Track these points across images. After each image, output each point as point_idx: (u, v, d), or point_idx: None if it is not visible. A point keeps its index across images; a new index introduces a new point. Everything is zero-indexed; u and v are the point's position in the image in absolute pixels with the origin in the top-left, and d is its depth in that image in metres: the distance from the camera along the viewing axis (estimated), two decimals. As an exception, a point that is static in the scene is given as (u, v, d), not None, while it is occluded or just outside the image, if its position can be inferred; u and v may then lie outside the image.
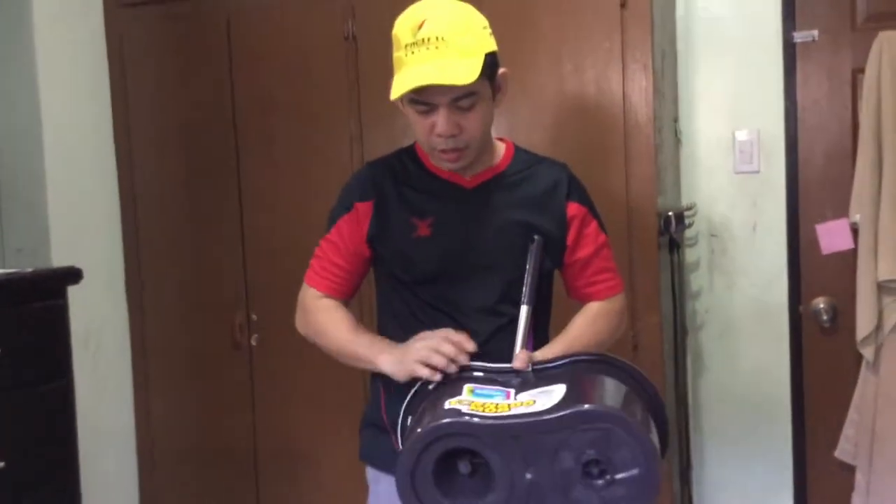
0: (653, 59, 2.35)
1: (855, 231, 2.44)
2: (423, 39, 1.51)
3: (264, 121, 2.77)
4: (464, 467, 1.32)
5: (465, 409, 1.33)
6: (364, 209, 1.69)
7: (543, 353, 1.58)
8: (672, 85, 2.61)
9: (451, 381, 1.47)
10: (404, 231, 1.66)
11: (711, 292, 2.70)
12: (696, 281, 2.71)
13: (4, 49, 2.73)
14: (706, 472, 2.75)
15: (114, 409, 2.97)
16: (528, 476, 1.29)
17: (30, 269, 2.35)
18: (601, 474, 1.29)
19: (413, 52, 1.52)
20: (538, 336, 1.68)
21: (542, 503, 1.30)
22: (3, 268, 2.49)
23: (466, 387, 1.42)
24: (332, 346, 1.72)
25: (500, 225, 1.65)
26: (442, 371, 1.49)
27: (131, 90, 2.93)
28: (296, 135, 2.73)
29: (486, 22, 1.59)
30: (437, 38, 1.50)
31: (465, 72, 1.50)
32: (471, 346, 1.54)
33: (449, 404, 1.35)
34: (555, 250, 1.68)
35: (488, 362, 1.53)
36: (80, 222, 2.85)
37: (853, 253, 2.44)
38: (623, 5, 2.35)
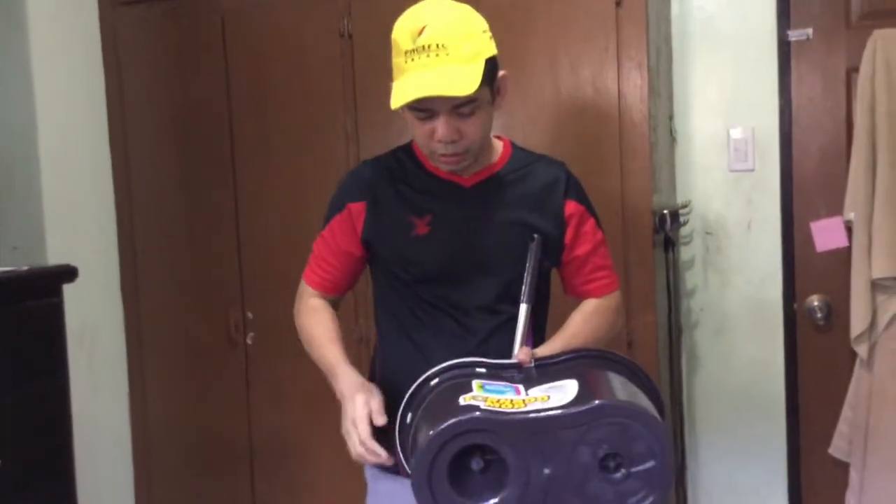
0: (648, 58, 2.36)
1: (849, 229, 2.44)
2: (423, 46, 1.49)
3: (260, 118, 2.77)
4: (476, 464, 1.31)
5: (482, 404, 1.32)
6: (357, 210, 1.70)
7: (542, 351, 1.58)
8: (667, 83, 2.62)
9: (458, 379, 1.46)
10: (402, 230, 1.67)
11: (706, 290, 2.71)
12: (691, 279, 2.72)
13: (-1, 47, 2.73)
14: (701, 469, 2.76)
15: (109, 407, 2.96)
16: (546, 471, 1.29)
17: (25, 267, 2.34)
18: (617, 468, 1.30)
19: (413, 60, 1.50)
20: (536, 334, 1.69)
21: (559, 498, 1.30)
22: (-2, 266, 2.49)
23: (476, 383, 1.42)
24: (311, 348, 1.74)
25: (499, 224, 1.66)
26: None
27: (126, 87, 2.93)
28: (291, 132, 2.73)
29: (486, 25, 1.58)
30: (437, 46, 1.49)
31: (467, 81, 1.48)
32: (380, 420, 1.51)
33: (464, 400, 1.35)
34: (553, 249, 1.68)
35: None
36: (76, 220, 2.85)
37: (847, 251, 2.45)
38: (618, 4, 2.35)
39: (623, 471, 1.30)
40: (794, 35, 2.56)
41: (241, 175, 2.81)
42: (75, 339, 2.62)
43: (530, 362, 1.50)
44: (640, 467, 1.30)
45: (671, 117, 2.66)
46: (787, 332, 2.64)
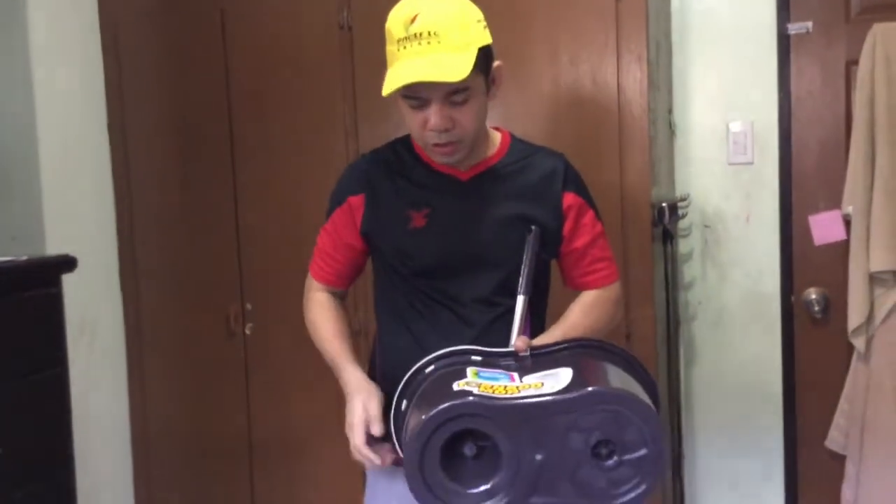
0: (648, 51, 2.35)
1: (847, 222, 2.45)
2: (415, 34, 1.50)
3: (259, 111, 2.77)
4: (469, 449, 1.32)
5: (475, 390, 1.33)
6: (356, 203, 1.70)
7: (540, 341, 1.58)
8: (667, 76, 2.62)
9: (453, 366, 1.47)
10: (399, 223, 1.67)
11: (704, 283, 2.71)
12: (690, 272, 2.72)
13: (-2, 39, 2.72)
14: (698, 462, 2.77)
15: (108, 399, 2.97)
16: (538, 457, 1.30)
17: (24, 258, 2.34)
18: (609, 455, 1.31)
19: (405, 47, 1.51)
20: (535, 325, 1.69)
21: (550, 484, 1.31)
22: (-2, 256, 2.49)
23: (470, 370, 1.43)
24: (317, 344, 1.77)
25: (496, 217, 1.66)
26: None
27: (126, 79, 2.93)
28: (291, 125, 2.73)
29: (480, 15, 1.58)
30: (429, 34, 1.49)
31: (458, 67, 1.49)
32: (376, 429, 1.54)
33: (458, 386, 1.36)
34: (551, 241, 1.68)
35: None
36: (75, 211, 2.84)
37: (845, 244, 2.46)
38: (618, -3, 2.35)
39: (615, 458, 1.31)
40: (793, 28, 2.56)
41: (239, 165, 2.80)
42: (74, 329, 2.63)
43: (526, 351, 1.50)
44: (633, 455, 1.30)
45: (670, 110, 2.66)
46: (785, 325, 2.64)
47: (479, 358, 1.49)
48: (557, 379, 1.36)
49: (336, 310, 1.79)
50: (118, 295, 3.00)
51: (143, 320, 2.99)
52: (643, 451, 1.30)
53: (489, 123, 1.73)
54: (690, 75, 2.67)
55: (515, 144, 1.74)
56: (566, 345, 1.53)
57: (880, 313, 2.36)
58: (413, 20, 1.51)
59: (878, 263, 2.33)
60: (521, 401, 1.30)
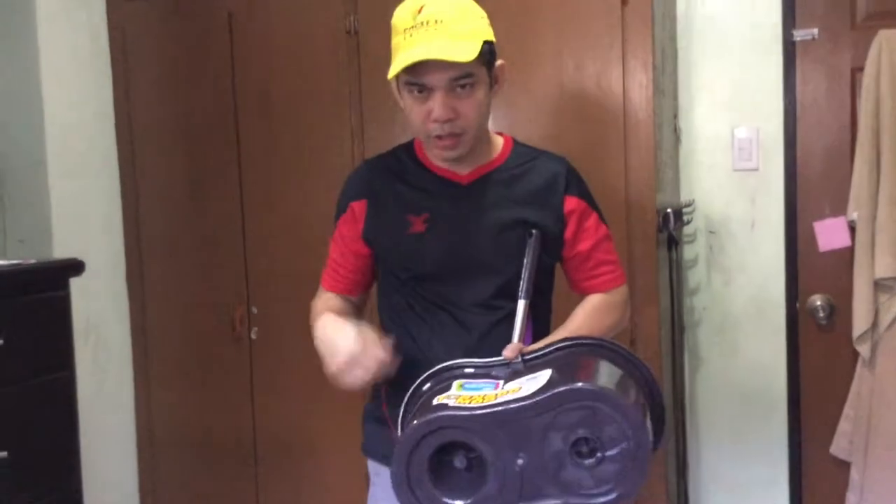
0: (653, 57, 2.36)
1: (852, 229, 2.45)
2: (421, 22, 1.53)
3: (265, 114, 2.78)
4: (459, 462, 1.32)
5: (451, 402, 1.34)
6: (359, 208, 1.71)
7: (539, 345, 1.57)
8: (672, 82, 2.62)
9: (444, 380, 1.47)
10: (399, 228, 1.67)
11: (709, 289, 2.71)
12: (694, 277, 2.72)
13: (7, 43, 2.74)
14: (702, 467, 2.77)
15: (114, 401, 2.98)
16: (519, 462, 1.30)
17: (32, 261, 2.36)
18: (591, 453, 1.30)
19: (411, 35, 1.53)
20: (539, 330, 1.69)
21: (535, 487, 1.30)
22: (5, 259, 2.50)
23: (456, 383, 1.43)
24: (314, 340, 1.64)
25: (496, 221, 1.65)
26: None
27: (133, 83, 2.94)
28: (297, 129, 2.74)
29: (484, 13, 1.61)
30: (435, 21, 1.52)
31: (464, 50, 1.51)
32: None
33: (437, 400, 1.37)
34: (553, 245, 1.68)
35: (487, 357, 1.52)
36: (82, 214, 2.86)
37: (850, 251, 2.46)
38: (624, 2, 2.35)
39: (598, 454, 1.30)
40: (799, 35, 2.56)
41: (246, 169, 2.82)
42: (80, 333, 2.64)
43: (516, 357, 1.50)
44: (614, 450, 1.29)
45: (676, 116, 2.66)
46: (790, 331, 2.64)
47: (471, 370, 1.49)
48: (535, 382, 1.36)
49: (339, 306, 1.74)
50: (125, 298, 3.02)
51: (150, 323, 3.01)
52: (624, 445, 1.29)
53: (494, 128, 1.73)
54: (696, 81, 2.67)
55: (517, 149, 1.74)
56: (557, 345, 1.51)
57: (885, 320, 2.36)
58: (420, 10, 1.54)
59: (883, 270, 2.33)
60: (493, 409, 1.31)
